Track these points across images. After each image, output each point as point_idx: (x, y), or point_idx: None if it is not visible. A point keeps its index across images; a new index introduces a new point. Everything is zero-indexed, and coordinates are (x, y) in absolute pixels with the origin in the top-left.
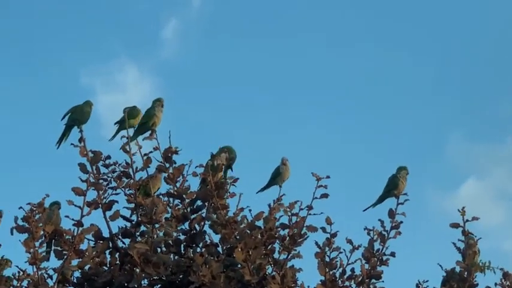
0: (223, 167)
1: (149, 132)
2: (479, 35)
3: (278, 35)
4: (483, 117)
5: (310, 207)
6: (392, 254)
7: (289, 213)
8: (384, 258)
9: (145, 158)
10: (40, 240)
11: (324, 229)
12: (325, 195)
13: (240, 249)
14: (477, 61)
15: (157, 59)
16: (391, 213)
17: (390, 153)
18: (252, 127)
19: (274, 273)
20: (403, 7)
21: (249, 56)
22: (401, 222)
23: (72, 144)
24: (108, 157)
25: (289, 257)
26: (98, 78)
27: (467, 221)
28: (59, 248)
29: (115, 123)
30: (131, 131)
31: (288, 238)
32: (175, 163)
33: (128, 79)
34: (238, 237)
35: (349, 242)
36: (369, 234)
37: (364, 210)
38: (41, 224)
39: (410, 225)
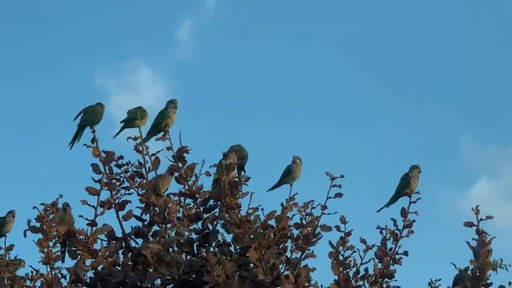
0: (235, 166)
1: (162, 133)
2: (494, 36)
3: (292, 37)
4: (495, 118)
5: (324, 207)
6: (405, 253)
7: (303, 213)
8: (397, 257)
9: (153, 158)
10: (54, 240)
11: (338, 227)
12: (339, 195)
13: (253, 249)
14: (492, 62)
15: (171, 60)
16: (404, 212)
17: (403, 153)
18: (263, 126)
19: (287, 272)
20: (420, 6)
21: (263, 57)
22: (414, 221)
23: (85, 144)
24: (121, 157)
25: (303, 256)
26: (112, 79)
27: (481, 220)
28: (72, 248)
29: (121, 122)
30: (143, 131)
31: (301, 237)
32: (187, 162)
33: (142, 80)
34: (252, 236)
35: (363, 241)
36: (381, 233)
37: (377, 211)
38: (54, 224)
39: (421, 224)
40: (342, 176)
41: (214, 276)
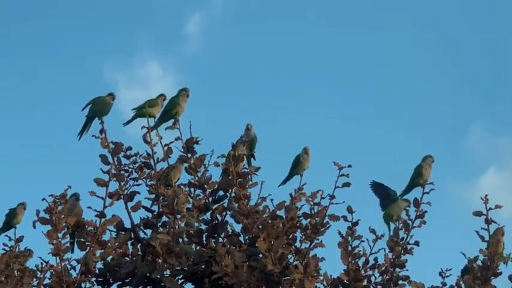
0: (244, 156)
1: (172, 121)
2: (507, 27)
3: (302, 29)
4: (504, 109)
5: (332, 197)
6: (417, 243)
7: (312, 203)
8: (408, 247)
9: (165, 148)
10: (63, 232)
11: (345, 218)
12: (347, 184)
13: (262, 239)
14: (502, 53)
15: (180, 54)
16: (416, 203)
17: (412, 143)
18: (273, 121)
19: (296, 262)
20: None
21: (271, 50)
22: (426, 211)
23: (93, 135)
24: (129, 148)
25: (311, 246)
26: (121, 73)
27: (490, 209)
28: (81, 240)
29: (132, 109)
30: (151, 121)
31: (310, 227)
32: (196, 153)
33: (151, 74)
34: (260, 227)
35: (372, 231)
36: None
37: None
38: (63, 216)
39: (431, 214)
40: (349, 166)
41: (223, 266)
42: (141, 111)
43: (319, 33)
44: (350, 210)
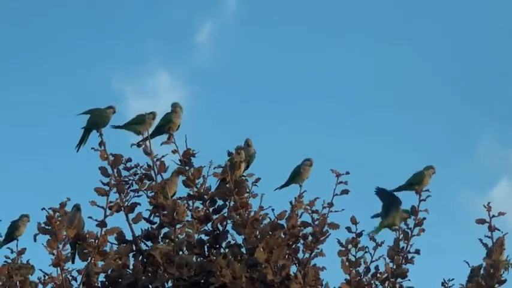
0: (241, 164)
1: (167, 135)
2: None
3: (314, 37)
4: None
5: (330, 204)
6: (417, 252)
7: (310, 211)
8: (409, 256)
9: (158, 163)
10: (63, 242)
11: (349, 229)
12: (345, 192)
13: (261, 249)
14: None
15: (189, 64)
16: (414, 211)
17: (421, 154)
18: (283, 131)
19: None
20: (441, 7)
21: (283, 59)
22: (425, 218)
23: (92, 148)
24: (129, 160)
25: (311, 255)
26: (129, 82)
27: (493, 216)
28: (83, 251)
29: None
30: (147, 134)
31: (309, 236)
32: (193, 165)
33: (160, 84)
34: (258, 236)
35: (372, 239)
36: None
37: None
38: (64, 226)
39: (442, 225)
40: (347, 173)
41: (220, 277)
42: (131, 127)
43: (330, 43)
44: (354, 221)
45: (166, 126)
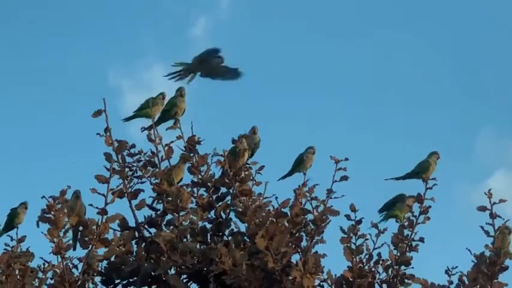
0: (245, 152)
1: (172, 121)
2: None
3: (312, 30)
4: None
5: (330, 191)
6: (421, 240)
7: (309, 198)
8: (413, 244)
9: (166, 148)
10: (64, 230)
11: (348, 216)
12: (345, 178)
13: (261, 236)
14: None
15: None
16: (420, 198)
17: (419, 147)
18: (279, 124)
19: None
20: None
21: (278, 54)
22: (430, 206)
23: (97, 133)
24: (133, 146)
25: (312, 243)
26: (126, 77)
27: (494, 203)
28: (85, 239)
29: (134, 112)
30: (150, 120)
31: (310, 224)
32: (198, 152)
33: (156, 78)
34: (257, 222)
35: (375, 226)
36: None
37: (386, 179)
38: (65, 211)
39: (440, 217)
40: (346, 159)
41: (220, 264)
42: (143, 112)
43: (326, 38)
44: (353, 208)
45: (171, 110)
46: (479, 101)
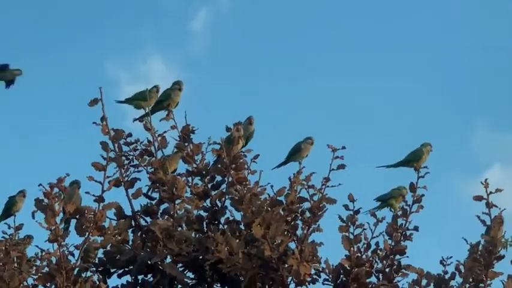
0: (240, 140)
1: (166, 112)
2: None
3: (310, 23)
4: (510, 105)
5: (327, 179)
6: (416, 228)
7: (306, 186)
8: (408, 233)
9: (159, 138)
10: (61, 217)
11: (346, 206)
12: (342, 166)
13: (257, 224)
14: (506, 50)
15: (185, 50)
16: (412, 187)
17: (416, 139)
18: (277, 120)
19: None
20: None
21: (279, 48)
22: (423, 195)
23: (94, 122)
24: (130, 135)
25: (309, 231)
26: (123, 69)
27: (490, 193)
28: (82, 227)
29: (125, 99)
30: (148, 109)
31: (307, 212)
32: (192, 141)
33: (154, 71)
34: (254, 210)
35: (373, 215)
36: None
37: (377, 167)
38: (62, 197)
39: (436, 211)
40: (343, 147)
41: (216, 253)
42: (136, 102)
43: (326, 34)
44: (351, 198)
45: (165, 102)
46: (473, 93)
